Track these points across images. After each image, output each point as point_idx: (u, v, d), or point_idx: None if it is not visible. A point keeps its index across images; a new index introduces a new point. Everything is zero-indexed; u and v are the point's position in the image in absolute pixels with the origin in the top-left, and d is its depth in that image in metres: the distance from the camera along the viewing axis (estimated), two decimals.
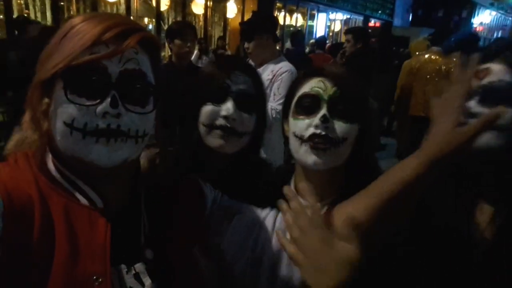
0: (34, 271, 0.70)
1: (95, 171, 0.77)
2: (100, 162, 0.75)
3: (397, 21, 20.67)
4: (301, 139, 1.01)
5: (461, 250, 1.00)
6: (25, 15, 6.70)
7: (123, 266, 0.82)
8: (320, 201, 1.05)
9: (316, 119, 0.99)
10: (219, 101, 1.15)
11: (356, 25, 17.52)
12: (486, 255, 0.98)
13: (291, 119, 1.06)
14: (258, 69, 2.80)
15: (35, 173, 0.79)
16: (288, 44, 8.50)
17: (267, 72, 2.75)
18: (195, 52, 7.59)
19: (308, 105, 1.02)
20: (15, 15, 6.30)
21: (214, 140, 1.15)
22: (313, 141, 0.99)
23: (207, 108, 1.15)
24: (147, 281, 0.84)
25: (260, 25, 2.77)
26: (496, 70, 0.98)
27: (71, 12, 8.08)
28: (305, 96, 1.03)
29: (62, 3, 7.89)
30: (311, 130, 0.99)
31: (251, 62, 2.90)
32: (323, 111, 0.99)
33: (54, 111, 0.76)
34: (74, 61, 0.73)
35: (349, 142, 1.01)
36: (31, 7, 7.50)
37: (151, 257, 0.87)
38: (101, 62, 0.75)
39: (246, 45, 2.75)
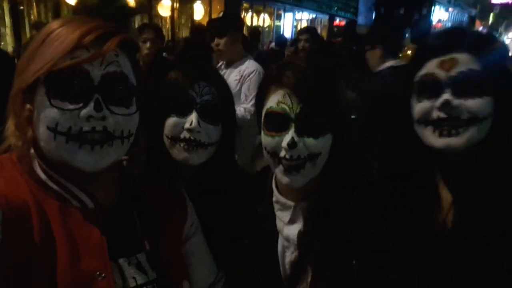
0: (39, 274, 0.71)
1: (83, 173, 0.79)
2: (86, 168, 0.77)
3: (361, 20, 21.19)
4: (274, 157, 1.00)
5: (424, 235, 1.03)
6: None
7: (122, 260, 0.85)
8: (301, 200, 1.07)
9: (284, 142, 0.95)
10: (183, 113, 1.11)
11: (322, 24, 17.87)
12: (447, 240, 1.01)
13: (262, 133, 1.04)
14: (225, 71, 2.82)
15: (24, 177, 0.79)
16: (272, 44, 8.92)
17: (234, 73, 2.78)
18: (163, 54, 7.48)
19: (277, 122, 0.98)
20: None
21: (178, 153, 1.13)
22: (285, 161, 0.97)
23: (171, 120, 1.12)
24: (149, 270, 0.87)
25: (233, 21, 2.80)
26: (463, 60, 0.95)
27: (32, 17, 7.78)
28: (272, 113, 0.99)
29: (21, 7, 7.59)
30: (282, 152, 0.97)
31: (219, 60, 2.91)
32: (291, 133, 0.95)
33: (37, 117, 0.77)
34: (55, 66, 0.74)
35: (324, 154, 0.99)
36: None
37: (149, 247, 0.90)
38: (82, 66, 0.76)
39: (216, 41, 2.75)
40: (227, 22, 2.77)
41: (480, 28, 24.31)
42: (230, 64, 2.85)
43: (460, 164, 1.02)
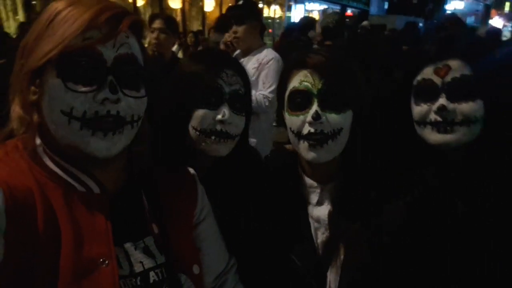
0: (43, 261, 0.70)
1: (92, 158, 0.76)
2: (99, 154, 0.75)
3: (373, 10, 20.91)
4: (298, 136, 1.03)
5: (445, 222, 1.06)
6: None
7: (129, 244, 0.83)
8: (327, 182, 1.10)
9: (309, 116, 0.99)
10: (213, 104, 1.08)
11: None
12: (463, 222, 1.04)
13: (286, 114, 1.07)
14: (243, 59, 2.78)
15: (28, 164, 0.77)
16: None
17: (252, 61, 2.75)
18: (175, 46, 7.45)
19: (300, 101, 1.03)
20: None
21: (209, 146, 1.10)
22: (310, 138, 1.00)
23: (201, 113, 1.08)
24: (157, 254, 0.85)
25: (252, 10, 2.76)
26: (456, 66, 1.04)
27: None
28: (295, 91, 1.03)
29: (34, 2, 7.62)
30: (306, 127, 1.01)
31: (238, 48, 2.86)
32: (315, 107, 0.99)
33: (49, 101, 0.74)
34: (68, 47, 0.71)
35: (346, 130, 1.03)
36: (1, 7, 7.22)
37: (157, 231, 0.88)
38: (95, 47, 0.73)
39: (234, 28, 2.71)
40: (246, 10, 2.73)
41: (496, 17, 23.73)
42: (247, 53, 2.81)
43: (456, 159, 1.09)
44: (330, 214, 1.07)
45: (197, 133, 1.09)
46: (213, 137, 1.09)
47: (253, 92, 2.57)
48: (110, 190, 0.83)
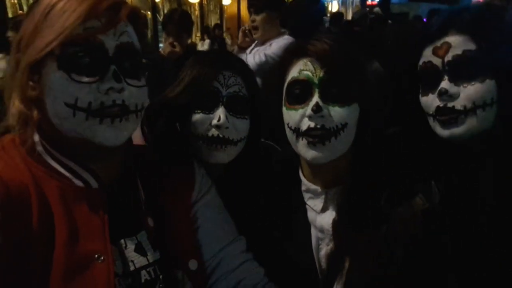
0: (37, 255, 0.70)
1: (94, 150, 0.77)
2: (107, 142, 0.75)
3: None
4: (297, 133, 0.93)
5: (471, 215, 0.95)
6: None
7: (122, 241, 0.82)
8: (332, 186, 0.99)
9: (309, 109, 0.89)
10: (209, 108, 1.03)
11: (354, 4, 17.28)
12: (491, 217, 0.93)
13: (284, 109, 0.97)
14: (259, 47, 2.69)
15: (25, 159, 0.77)
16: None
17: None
18: (207, 40, 7.52)
19: (299, 92, 0.93)
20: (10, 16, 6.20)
21: (207, 153, 1.05)
22: (310, 135, 0.90)
23: (197, 117, 1.04)
24: (149, 250, 0.84)
25: (273, 0, 2.67)
26: (456, 42, 0.90)
27: None
28: (294, 82, 0.94)
29: None
30: (306, 122, 0.90)
31: (255, 38, 2.79)
32: (315, 98, 0.90)
33: (51, 95, 0.73)
34: (69, 38, 0.71)
35: (351, 126, 0.92)
36: (25, 7, 7.39)
37: (153, 224, 0.86)
38: (97, 37, 0.73)
39: (252, 17, 2.64)
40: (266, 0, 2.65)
41: None
42: (265, 42, 2.72)
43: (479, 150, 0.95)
44: (335, 222, 0.96)
45: (195, 138, 1.05)
46: (211, 143, 1.03)
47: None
48: (107, 183, 0.82)
